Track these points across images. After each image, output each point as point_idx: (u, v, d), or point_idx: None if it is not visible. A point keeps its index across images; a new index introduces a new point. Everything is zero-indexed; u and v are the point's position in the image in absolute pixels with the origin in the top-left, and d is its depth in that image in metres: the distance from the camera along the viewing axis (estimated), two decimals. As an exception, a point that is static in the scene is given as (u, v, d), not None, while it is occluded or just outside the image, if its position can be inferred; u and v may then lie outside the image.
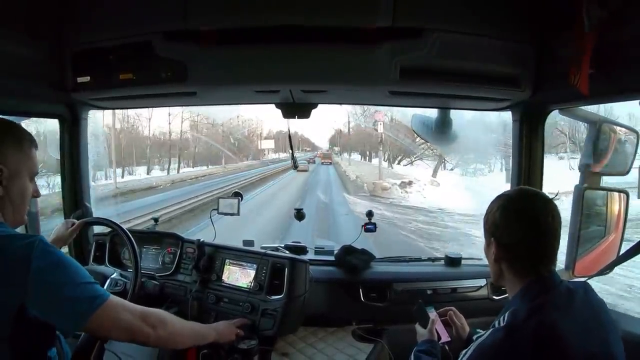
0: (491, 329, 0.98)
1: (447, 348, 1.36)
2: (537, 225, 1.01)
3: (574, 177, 1.74)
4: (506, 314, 0.98)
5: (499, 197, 1.10)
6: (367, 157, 39.35)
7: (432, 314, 1.44)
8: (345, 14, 1.35)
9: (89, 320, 1.04)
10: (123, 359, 1.62)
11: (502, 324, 0.96)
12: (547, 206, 1.03)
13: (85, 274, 1.08)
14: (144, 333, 1.18)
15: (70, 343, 1.23)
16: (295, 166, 2.37)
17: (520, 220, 1.03)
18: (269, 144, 43.81)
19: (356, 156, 44.26)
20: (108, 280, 1.65)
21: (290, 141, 2.18)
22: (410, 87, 1.58)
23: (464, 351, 1.01)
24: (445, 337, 1.38)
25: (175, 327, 1.31)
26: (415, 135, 2.32)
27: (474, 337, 1.02)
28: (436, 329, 1.39)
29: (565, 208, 1.11)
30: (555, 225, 1.01)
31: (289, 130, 2.09)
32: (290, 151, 2.28)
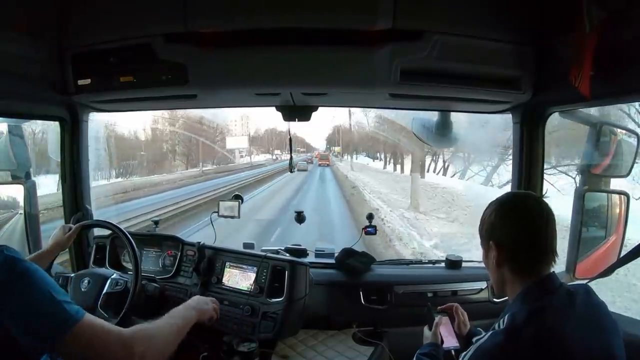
0: (491, 332, 0.98)
1: (452, 353, 1.34)
2: (532, 221, 1.03)
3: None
4: (506, 317, 0.97)
5: (491, 203, 1.12)
6: (397, 163, 25.56)
7: (438, 317, 1.43)
8: (346, 16, 1.35)
9: (59, 343, 0.91)
10: None
11: (501, 327, 0.96)
12: (539, 203, 1.07)
13: (55, 289, 0.95)
14: (126, 356, 1.01)
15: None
16: (291, 169, 2.35)
17: (516, 218, 1.06)
18: (238, 143, 32.65)
19: (362, 158, 35.68)
20: (109, 281, 1.64)
21: (290, 144, 2.17)
22: (410, 89, 1.58)
23: (463, 353, 1.01)
24: (451, 342, 1.36)
25: (162, 337, 1.14)
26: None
27: (474, 340, 1.01)
28: (440, 333, 1.38)
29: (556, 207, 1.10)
30: (549, 221, 1.03)
31: (289, 133, 2.09)
32: (289, 154, 2.25)
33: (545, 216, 1.03)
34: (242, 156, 36.13)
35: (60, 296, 0.94)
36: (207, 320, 1.45)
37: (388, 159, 28.37)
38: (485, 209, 1.13)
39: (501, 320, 0.98)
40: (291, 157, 2.27)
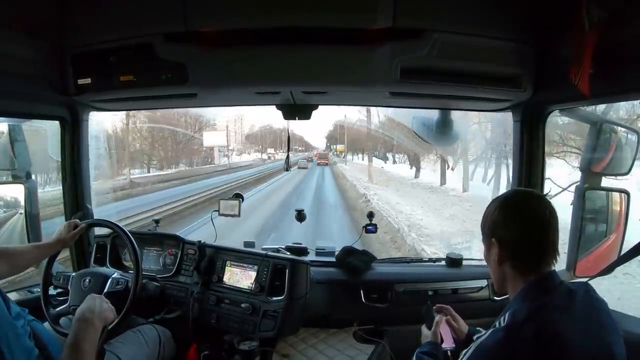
0: (491, 330, 0.98)
1: (449, 354, 1.34)
2: (535, 219, 1.03)
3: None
4: (506, 315, 0.97)
5: (494, 200, 1.12)
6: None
7: (438, 316, 1.44)
8: (346, 14, 1.35)
9: None
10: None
11: (502, 325, 0.96)
12: (542, 201, 1.06)
13: None
14: None
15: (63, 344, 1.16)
16: (287, 168, 2.35)
17: (520, 215, 1.05)
18: (216, 139, 26.97)
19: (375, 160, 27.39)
20: (109, 280, 1.65)
21: (288, 143, 2.17)
22: (410, 87, 1.58)
23: (464, 351, 1.01)
24: (449, 343, 1.37)
25: None
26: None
27: (475, 337, 1.01)
28: (440, 332, 1.38)
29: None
30: (552, 219, 1.03)
31: (288, 132, 2.09)
32: (287, 153, 2.24)
33: (548, 215, 1.02)
34: (225, 155, 31.55)
35: None
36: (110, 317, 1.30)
37: (409, 162, 20.69)
38: (488, 205, 1.12)
39: (502, 318, 0.98)
40: (288, 157, 2.27)
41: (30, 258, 1.55)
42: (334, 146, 39.94)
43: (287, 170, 2.28)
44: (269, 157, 40.63)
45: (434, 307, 1.48)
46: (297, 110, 1.90)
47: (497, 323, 0.99)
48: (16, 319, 1.18)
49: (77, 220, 1.68)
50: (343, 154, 36.61)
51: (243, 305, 1.78)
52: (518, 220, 1.04)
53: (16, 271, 1.52)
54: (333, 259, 2.07)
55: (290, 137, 2.13)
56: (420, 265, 2.18)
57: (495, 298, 1.92)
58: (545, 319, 0.93)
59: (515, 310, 0.97)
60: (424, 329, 1.44)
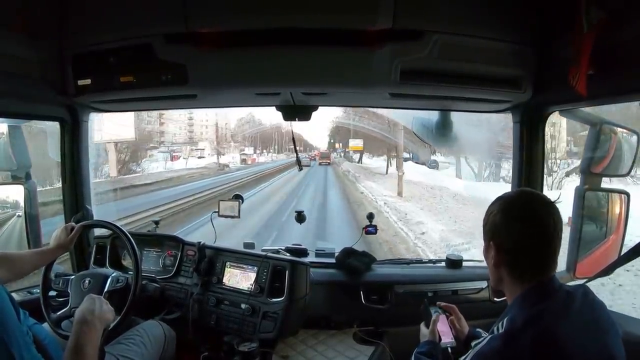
0: (489, 336, 0.96)
1: (449, 351, 1.34)
2: (538, 230, 0.98)
3: None
4: (504, 321, 0.95)
5: (499, 198, 1.07)
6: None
7: (435, 314, 1.43)
8: (346, 16, 1.35)
9: None
10: None
11: (500, 331, 0.95)
12: (549, 209, 1.00)
13: None
14: None
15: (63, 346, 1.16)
16: (300, 167, 2.38)
17: (522, 224, 1.00)
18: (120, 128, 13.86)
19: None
20: (109, 279, 1.65)
21: (294, 143, 2.17)
22: (410, 89, 1.58)
23: (462, 358, 1.00)
24: (448, 339, 1.36)
25: None
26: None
27: (472, 344, 1.00)
28: (438, 330, 1.38)
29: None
30: (557, 229, 0.98)
31: (292, 133, 2.10)
32: (295, 154, 2.31)
33: (553, 223, 0.97)
34: (201, 156, 23.75)
35: None
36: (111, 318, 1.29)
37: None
38: (491, 204, 1.07)
39: (500, 323, 0.96)
40: (298, 157, 2.34)
41: (31, 265, 1.55)
42: (340, 144, 32.19)
43: (300, 169, 2.35)
44: (244, 160, 30.95)
45: (440, 305, 1.46)
46: (297, 111, 1.90)
47: (495, 329, 0.97)
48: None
49: (73, 223, 1.68)
50: (359, 156, 26.95)
51: (243, 306, 1.77)
52: (521, 229, 0.99)
53: (16, 277, 1.53)
54: (333, 260, 2.07)
55: (290, 137, 2.15)
56: (420, 267, 2.17)
57: (495, 299, 1.91)
58: (544, 325, 0.91)
59: (514, 316, 0.95)
60: (422, 327, 1.43)
